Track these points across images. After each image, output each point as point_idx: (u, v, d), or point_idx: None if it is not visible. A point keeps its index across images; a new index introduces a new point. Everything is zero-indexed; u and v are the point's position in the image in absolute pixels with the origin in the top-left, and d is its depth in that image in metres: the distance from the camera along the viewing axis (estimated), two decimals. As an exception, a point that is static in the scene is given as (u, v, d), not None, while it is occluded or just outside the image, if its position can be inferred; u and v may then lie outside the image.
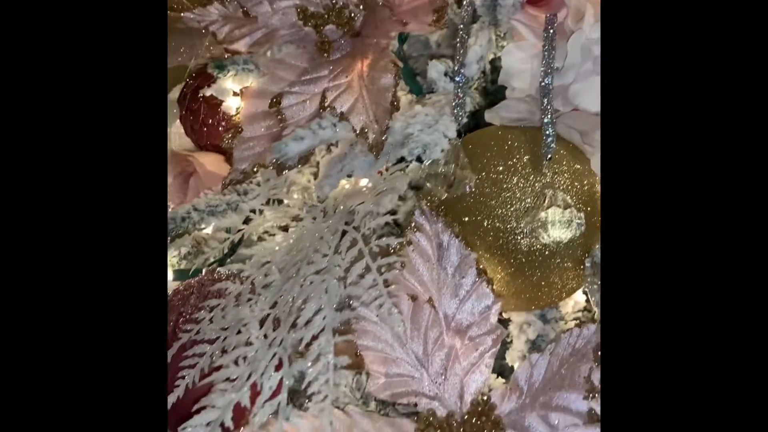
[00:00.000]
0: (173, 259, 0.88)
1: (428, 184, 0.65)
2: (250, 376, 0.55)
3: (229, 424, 0.52)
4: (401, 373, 0.65)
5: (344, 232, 0.70)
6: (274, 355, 0.56)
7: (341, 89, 0.71)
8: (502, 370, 0.73)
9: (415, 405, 0.64)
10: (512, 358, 0.72)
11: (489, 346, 0.65)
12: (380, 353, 0.65)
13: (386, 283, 0.62)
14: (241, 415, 0.56)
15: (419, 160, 0.63)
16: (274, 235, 0.78)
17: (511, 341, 0.72)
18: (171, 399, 0.63)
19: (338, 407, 0.67)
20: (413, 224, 0.67)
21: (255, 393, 0.53)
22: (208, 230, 0.92)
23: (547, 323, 0.71)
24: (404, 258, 0.65)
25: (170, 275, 0.87)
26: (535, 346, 0.70)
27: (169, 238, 0.83)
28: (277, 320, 0.63)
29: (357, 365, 0.72)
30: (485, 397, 0.63)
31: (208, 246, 0.90)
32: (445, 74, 0.67)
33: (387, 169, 0.74)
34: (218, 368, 0.63)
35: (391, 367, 0.65)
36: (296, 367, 0.53)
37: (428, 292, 0.66)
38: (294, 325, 0.60)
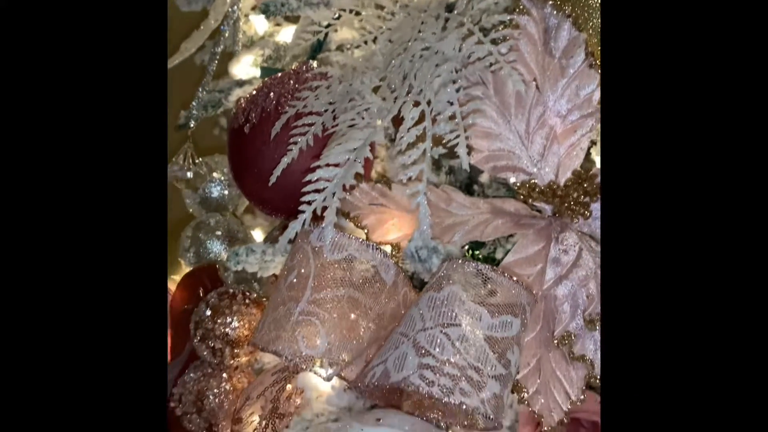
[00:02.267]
0: (258, 58, 0.89)
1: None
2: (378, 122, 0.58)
3: (368, 155, 0.55)
4: (503, 148, 0.68)
5: (447, 19, 0.71)
6: (404, 102, 0.58)
7: None
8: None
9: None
10: (598, 150, 0.75)
11: (588, 129, 0.68)
12: (485, 129, 0.67)
13: (501, 54, 0.64)
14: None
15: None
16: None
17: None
18: (285, 160, 0.66)
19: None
20: (521, 7, 0.68)
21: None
22: (287, 39, 0.93)
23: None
24: (515, 33, 0.66)
25: (258, 72, 0.89)
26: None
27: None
28: (391, 87, 0.65)
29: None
30: (586, 168, 0.66)
31: (286, 52, 0.92)
32: None
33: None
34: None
35: (494, 142, 0.68)
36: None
37: (532, 74, 0.68)
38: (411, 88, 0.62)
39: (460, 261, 0.54)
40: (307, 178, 0.56)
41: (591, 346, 0.61)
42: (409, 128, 0.54)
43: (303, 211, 0.58)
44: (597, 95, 0.68)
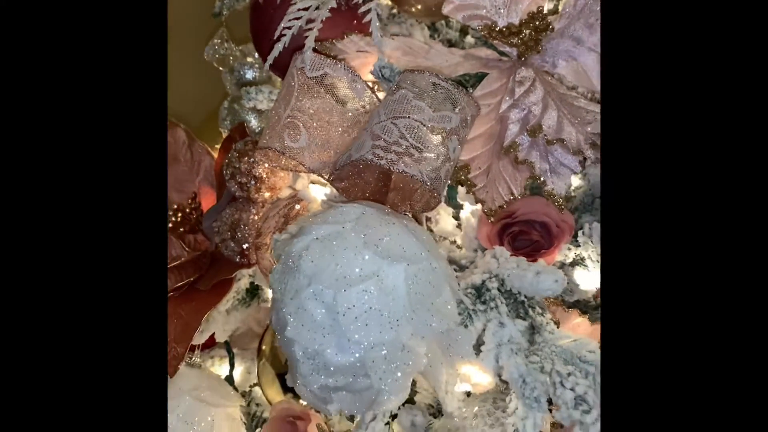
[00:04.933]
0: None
1: None
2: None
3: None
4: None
5: None
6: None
7: None
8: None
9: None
10: (561, 5, 0.85)
11: (547, -22, 0.78)
12: (455, -18, 0.79)
13: None
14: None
15: None
16: None
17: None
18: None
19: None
20: None
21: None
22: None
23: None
24: None
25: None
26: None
27: None
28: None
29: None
30: (541, 9, 0.77)
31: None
32: None
33: None
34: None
35: (463, -6, 0.79)
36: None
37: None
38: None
39: (411, 70, 0.67)
40: (289, 10, 0.69)
41: (535, 153, 0.72)
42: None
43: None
44: (556, -51, 0.77)
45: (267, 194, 0.92)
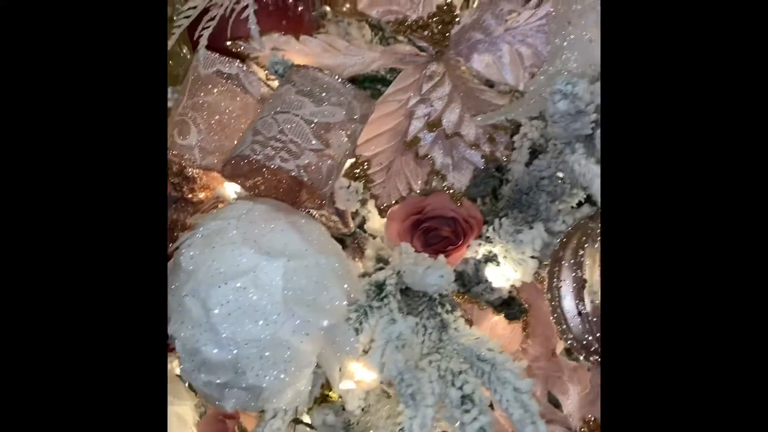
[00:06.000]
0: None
1: None
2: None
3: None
4: (385, -5, 0.79)
5: None
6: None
7: None
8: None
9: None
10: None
11: (459, -29, 0.77)
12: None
13: None
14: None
15: None
16: None
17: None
18: None
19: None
20: None
21: None
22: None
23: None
24: None
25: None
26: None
27: None
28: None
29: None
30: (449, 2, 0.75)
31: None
32: None
33: None
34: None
35: (378, -12, 0.79)
36: None
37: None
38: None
39: (298, 66, 0.67)
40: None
41: (438, 148, 0.71)
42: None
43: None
44: (466, -59, 0.76)
45: (202, 194, 0.93)
